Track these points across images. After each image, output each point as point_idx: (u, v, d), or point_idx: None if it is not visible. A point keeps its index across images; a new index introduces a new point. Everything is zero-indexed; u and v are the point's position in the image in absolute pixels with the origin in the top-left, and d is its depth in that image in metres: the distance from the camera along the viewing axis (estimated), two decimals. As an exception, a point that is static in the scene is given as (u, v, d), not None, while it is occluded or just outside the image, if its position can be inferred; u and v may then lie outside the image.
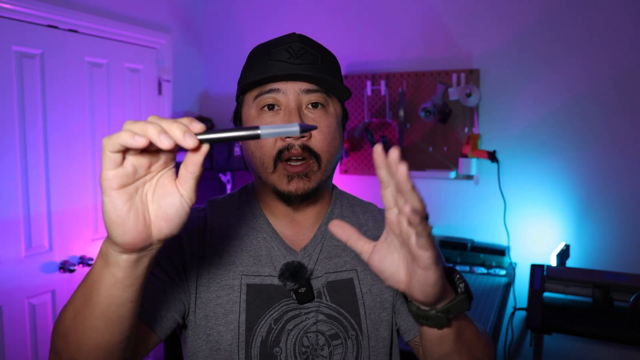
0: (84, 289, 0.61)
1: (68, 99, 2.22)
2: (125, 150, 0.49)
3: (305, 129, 0.53)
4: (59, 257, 2.19)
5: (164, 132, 0.48)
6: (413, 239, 0.56)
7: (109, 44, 2.41)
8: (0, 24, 1.95)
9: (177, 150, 0.53)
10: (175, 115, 2.84)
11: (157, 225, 0.53)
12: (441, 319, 0.63)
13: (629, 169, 2.30)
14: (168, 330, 0.80)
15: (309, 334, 0.83)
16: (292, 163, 0.80)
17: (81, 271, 2.25)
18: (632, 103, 2.28)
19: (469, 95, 2.45)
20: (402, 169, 0.52)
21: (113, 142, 0.48)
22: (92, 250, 2.32)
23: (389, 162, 0.53)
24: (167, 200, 0.53)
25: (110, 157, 0.49)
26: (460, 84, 2.51)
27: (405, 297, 0.65)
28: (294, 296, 0.83)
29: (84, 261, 2.25)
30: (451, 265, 2.49)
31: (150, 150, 0.51)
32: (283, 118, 0.81)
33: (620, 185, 2.31)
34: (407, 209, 0.52)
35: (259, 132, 0.52)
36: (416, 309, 0.64)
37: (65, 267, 2.18)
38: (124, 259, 0.55)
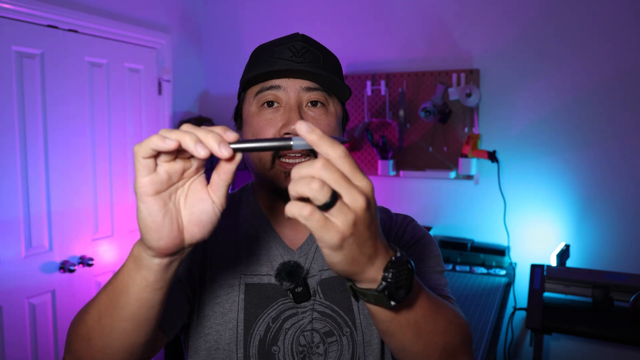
0: (111, 292, 0.61)
1: (68, 99, 2.22)
2: (156, 156, 0.50)
3: (340, 142, 0.53)
4: (59, 257, 2.19)
5: (200, 141, 0.49)
6: None
7: (109, 44, 2.41)
8: (0, 24, 1.95)
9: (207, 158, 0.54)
10: (176, 115, 2.84)
11: (190, 231, 0.54)
12: (355, 295, 0.59)
13: (629, 168, 2.30)
14: (176, 330, 0.81)
15: (305, 333, 0.84)
16: (290, 160, 0.80)
17: (81, 271, 2.25)
18: (632, 103, 2.28)
19: (469, 95, 2.45)
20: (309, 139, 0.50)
21: (144, 148, 0.49)
22: (92, 250, 2.32)
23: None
24: (200, 207, 0.54)
25: (142, 164, 0.49)
26: (460, 84, 2.51)
27: None
28: (291, 295, 0.83)
29: (84, 261, 2.25)
30: (451, 265, 2.49)
31: (183, 157, 0.52)
32: (283, 115, 0.81)
33: (621, 185, 2.31)
34: (290, 191, 0.49)
35: (291, 143, 0.52)
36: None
37: (65, 267, 2.18)
38: (157, 262, 0.55)
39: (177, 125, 2.78)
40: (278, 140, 0.52)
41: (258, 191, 0.91)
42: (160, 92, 2.72)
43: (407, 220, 0.97)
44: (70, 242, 2.24)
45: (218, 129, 0.51)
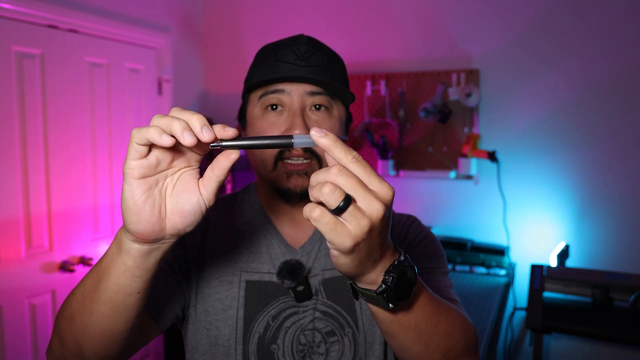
0: (94, 274, 0.62)
1: (68, 99, 2.22)
2: (151, 145, 0.51)
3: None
4: (59, 257, 2.19)
5: (188, 128, 0.49)
6: None
7: (109, 44, 2.41)
8: (0, 24, 1.95)
9: (204, 153, 0.55)
10: (175, 115, 2.84)
11: (172, 220, 0.55)
12: (355, 294, 0.61)
13: (628, 168, 2.30)
14: (168, 322, 0.82)
15: (305, 332, 0.84)
16: (293, 162, 0.81)
17: (81, 271, 2.25)
18: (632, 103, 2.28)
19: (468, 95, 2.45)
20: (322, 143, 0.51)
21: (141, 136, 0.49)
22: (92, 250, 2.32)
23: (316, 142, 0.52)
24: (184, 196, 0.55)
25: (135, 149, 0.50)
26: (460, 84, 2.51)
27: None
28: (292, 294, 0.84)
29: (84, 261, 2.25)
30: (451, 265, 2.49)
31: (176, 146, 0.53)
32: (286, 119, 0.82)
33: (620, 185, 2.31)
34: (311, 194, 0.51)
35: (292, 141, 0.52)
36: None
37: (65, 267, 2.18)
38: (136, 248, 0.56)
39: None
40: (278, 138, 0.53)
41: (261, 191, 0.92)
42: (160, 92, 2.72)
43: (410, 220, 0.97)
44: (70, 242, 2.24)
45: (218, 126, 0.51)
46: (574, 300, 2.15)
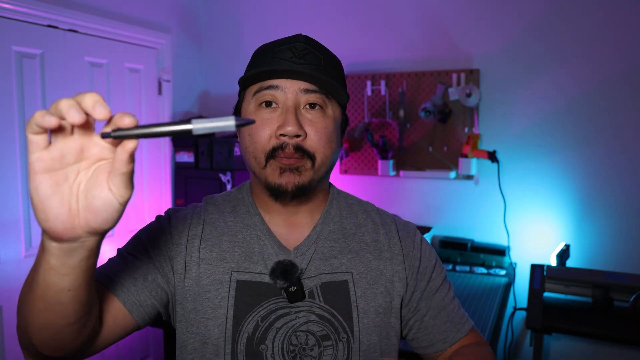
0: (31, 270, 0.62)
1: (68, 99, 2.22)
2: (46, 132, 0.48)
3: (242, 123, 0.49)
4: (59, 257, 2.18)
5: (76, 105, 0.46)
6: None
7: (109, 44, 2.41)
8: (0, 24, 1.95)
9: (115, 142, 0.51)
10: (175, 115, 2.84)
11: (84, 217, 0.52)
12: None
13: (629, 168, 2.30)
14: (147, 317, 0.81)
15: (298, 333, 0.83)
16: (285, 157, 0.81)
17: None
18: (632, 103, 2.28)
19: (469, 95, 2.45)
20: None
21: (31, 124, 0.47)
22: (92, 250, 2.32)
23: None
24: (94, 192, 0.51)
25: (31, 139, 0.48)
26: (460, 84, 2.51)
27: None
28: (285, 295, 0.83)
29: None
30: (451, 266, 2.49)
31: (80, 133, 0.50)
32: (280, 116, 0.81)
33: (621, 185, 2.31)
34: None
35: (191, 126, 0.48)
36: None
37: (65, 267, 2.18)
38: (54, 246, 0.54)
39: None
40: (177, 123, 0.48)
41: (254, 190, 0.91)
42: (160, 92, 2.72)
43: (412, 232, 0.96)
44: (70, 242, 2.24)
45: (117, 115, 0.49)
46: (574, 300, 2.15)
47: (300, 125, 0.80)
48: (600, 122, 2.33)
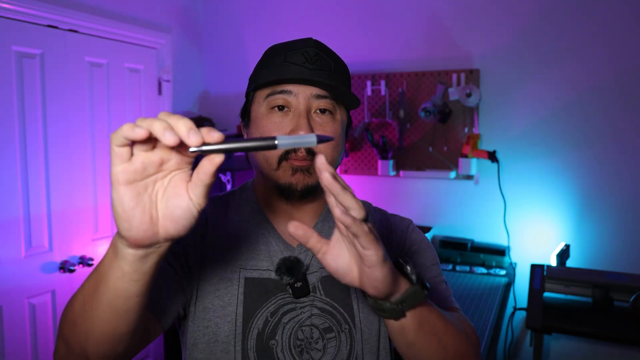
0: (93, 279, 0.62)
1: (68, 99, 2.22)
2: (131, 145, 0.50)
3: (322, 140, 0.53)
4: (59, 257, 2.19)
5: (170, 128, 0.49)
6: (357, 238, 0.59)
7: (109, 44, 2.41)
8: (0, 24, 1.95)
9: (194, 155, 0.53)
10: (175, 115, 2.83)
11: (164, 225, 0.54)
12: (396, 310, 0.68)
13: (629, 168, 2.30)
14: (171, 320, 0.83)
15: (303, 328, 0.85)
16: (297, 160, 0.83)
17: (81, 271, 2.25)
18: (632, 103, 2.28)
19: (469, 95, 2.45)
20: (325, 175, 0.55)
21: (118, 136, 0.49)
22: (92, 250, 2.32)
23: (316, 168, 0.56)
24: (174, 201, 0.53)
25: (116, 152, 0.50)
26: (460, 84, 2.51)
27: (363, 292, 0.68)
28: (290, 290, 0.85)
29: (84, 261, 2.25)
30: (451, 265, 2.49)
31: (162, 147, 0.52)
32: (292, 120, 0.83)
33: (621, 185, 2.31)
34: (337, 212, 0.56)
35: (275, 142, 0.52)
36: (372, 302, 0.68)
37: (65, 267, 2.18)
38: (131, 253, 0.56)
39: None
40: (261, 140, 0.52)
41: (259, 189, 0.93)
42: (160, 92, 2.72)
43: (405, 223, 0.99)
44: (70, 242, 2.24)
45: (204, 130, 0.51)
46: (574, 300, 2.15)
47: (312, 130, 0.83)
48: (601, 122, 2.33)
